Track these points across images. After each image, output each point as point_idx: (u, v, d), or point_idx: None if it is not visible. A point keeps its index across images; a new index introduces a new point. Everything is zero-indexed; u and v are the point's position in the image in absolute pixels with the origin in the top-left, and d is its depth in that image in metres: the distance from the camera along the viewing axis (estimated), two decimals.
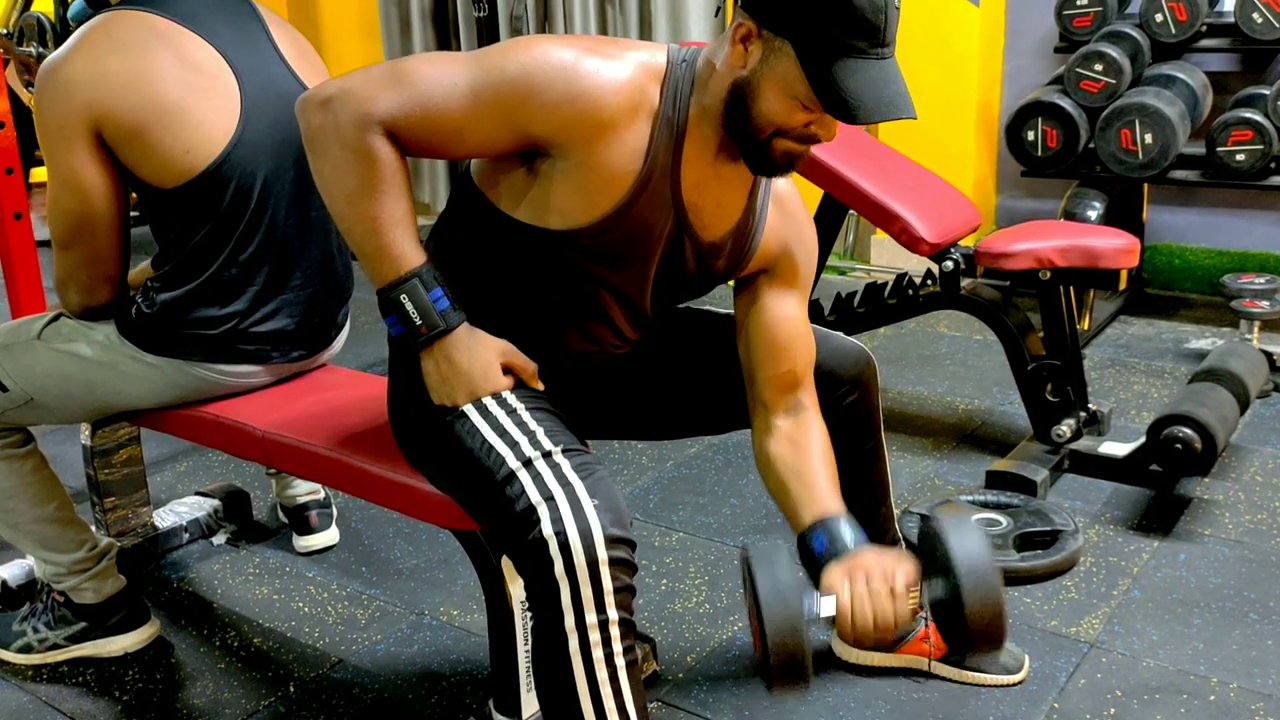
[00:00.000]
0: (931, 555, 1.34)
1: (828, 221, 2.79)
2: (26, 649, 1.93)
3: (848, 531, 1.41)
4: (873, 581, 1.33)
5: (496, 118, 1.31)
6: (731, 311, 1.61)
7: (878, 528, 1.74)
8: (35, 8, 6.05)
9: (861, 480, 1.71)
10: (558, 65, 1.30)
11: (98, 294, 1.77)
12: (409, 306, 1.35)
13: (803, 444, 1.50)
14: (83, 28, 1.69)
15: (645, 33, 4.59)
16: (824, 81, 1.25)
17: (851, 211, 2.97)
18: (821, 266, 2.94)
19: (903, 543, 1.80)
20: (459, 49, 4.96)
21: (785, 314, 1.52)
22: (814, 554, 1.41)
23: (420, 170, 5.34)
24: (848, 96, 1.24)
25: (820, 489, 1.46)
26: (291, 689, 1.85)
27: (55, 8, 5.91)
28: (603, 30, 4.71)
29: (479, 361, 1.37)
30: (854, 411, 1.66)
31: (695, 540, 2.29)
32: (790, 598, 1.27)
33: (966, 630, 1.28)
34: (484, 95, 1.30)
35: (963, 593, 1.27)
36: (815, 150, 2.49)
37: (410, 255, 1.35)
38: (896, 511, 1.84)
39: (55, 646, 1.93)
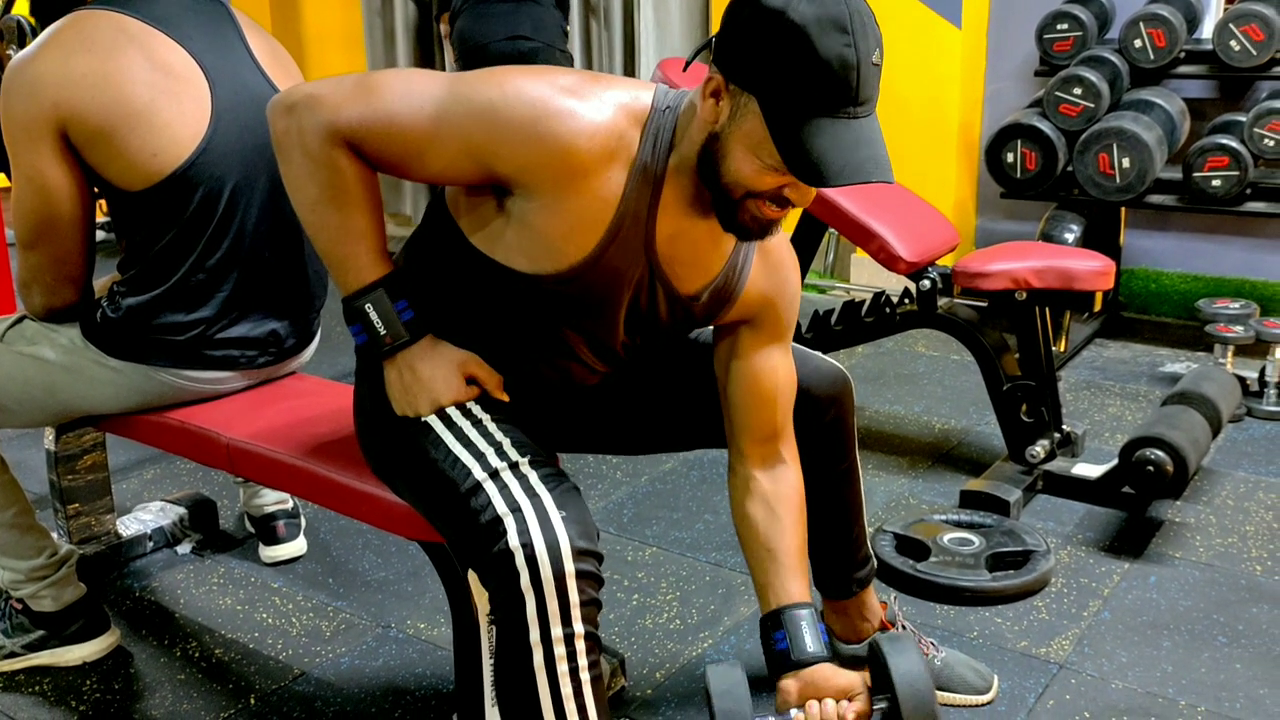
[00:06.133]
0: (879, 674, 1.43)
1: (807, 239, 2.80)
2: None
3: (808, 635, 1.44)
4: (825, 710, 1.38)
5: (458, 148, 1.27)
6: (703, 331, 1.59)
7: (850, 548, 1.73)
8: (15, 10, 6.02)
9: (835, 500, 1.69)
10: (529, 103, 1.24)
11: (61, 294, 1.75)
12: (373, 316, 1.34)
13: (778, 510, 1.50)
14: (52, 26, 1.67)
15: (629, 50, 4.59)
16: (790, 142, 1.17)
17: (831, 230, 2.98)
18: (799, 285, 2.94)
19: (875, 562, 1.78)
20: (442, 64, 4.95)
21: (768, 366, 1.48)
22: (773, 648, 1.45)
23: (402, 182, 5.32)
24: (815, 158, 1.17)
25: (789, 569, 1.48)
26: (252, 701, 1.82)
27: (34, 11, 5.85)
28: (587, 46, 4.72)
29: (442, 370, 1.36)
30: (829, 431, 1.65)
31: (668, 555, 2.28)
32: None
33: None
34: (448, 123, 1.26)
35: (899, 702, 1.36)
36: None
37: (375, 266, 1.34)
38: (870, 530, 1.83)
39: (12, 655, 1.89)
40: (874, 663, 1.47)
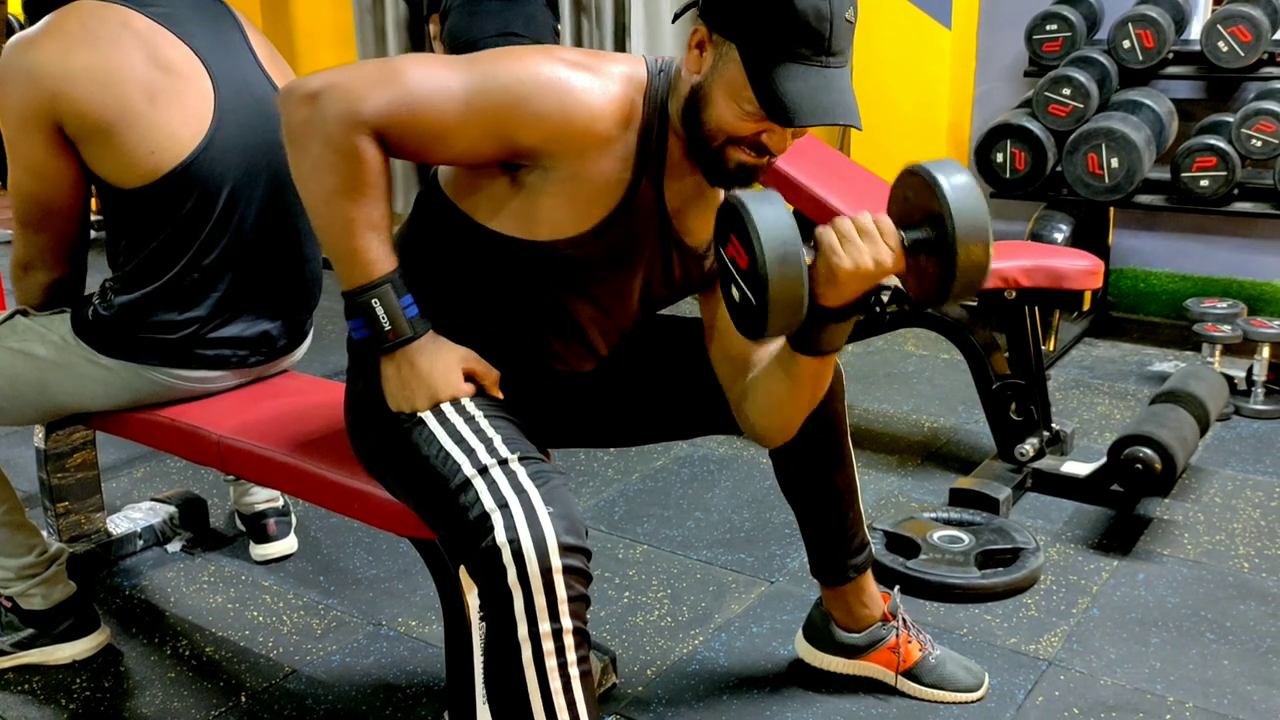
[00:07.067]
0: (919, 193, 1.28)
1: None
2: None
3: None
4: (860, 223, 1.30)
5: (485, 125, 1.30)
6: (688, 315, 1.61)
7: (845, 533, 1.74)
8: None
9: (828, 486, 1.70)
10: (549, 79, 1.30)
11: (62, 268, 1.78)
12: (379, 311, 1.33)
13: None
14: (55, 13, 1.66)
15: (620, 48, 4.59)
16: (764, 83, 1.25)
17: None
18: None
19: (871, 548, 1.79)
20: None
21: None
22: None
23: (395, 177, 5.30)
24: (785, 99, 1.24)
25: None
26: (243, 699, 1.82)
27: (26, 8, 5.84)
28: (578, 44, 4.72)
29: (440, 366, 1.36)
30: (821, 416, 1.65)
31: (659, 553, 2.28)
32: (785, 226, 1.22)
33: (952, 258, 1.24)
34: (476, 102, 1.29)
35: (952, 213, 1.22)
36: (787, 167, 2.52)
37: (384, 260, 1.34)
38: None
39: (1, 653, 1.89)
40: (912, 189, 1.30)
